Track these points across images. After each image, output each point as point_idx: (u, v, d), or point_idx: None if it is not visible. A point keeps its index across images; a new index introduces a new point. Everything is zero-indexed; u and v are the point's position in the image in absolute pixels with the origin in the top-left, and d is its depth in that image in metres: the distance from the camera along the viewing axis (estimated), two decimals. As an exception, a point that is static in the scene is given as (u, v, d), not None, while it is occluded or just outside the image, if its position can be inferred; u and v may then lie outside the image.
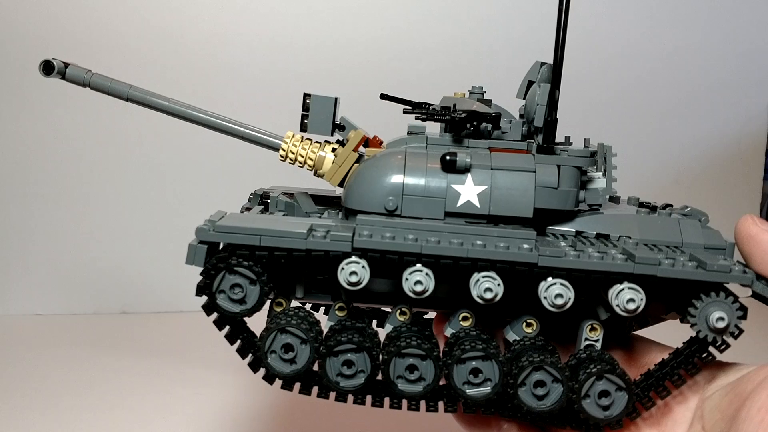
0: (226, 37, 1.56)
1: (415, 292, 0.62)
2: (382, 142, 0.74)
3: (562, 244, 0.66)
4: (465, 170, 0.67)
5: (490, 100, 0.74)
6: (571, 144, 0.75)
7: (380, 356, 0.65)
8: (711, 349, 0.65)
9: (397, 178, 0.67)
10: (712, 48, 1.80)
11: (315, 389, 0.69)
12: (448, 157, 0.66)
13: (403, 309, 0.69)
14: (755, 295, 0.64)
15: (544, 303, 0.63)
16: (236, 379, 1.24)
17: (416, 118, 0.71)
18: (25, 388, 1.20)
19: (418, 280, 0.62)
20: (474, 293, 0.62)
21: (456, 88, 0.77)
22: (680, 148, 1.84)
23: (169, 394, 1.21)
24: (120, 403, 1.17)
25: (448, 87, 0.81)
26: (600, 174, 0.72)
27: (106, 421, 1.11)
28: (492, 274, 0.63)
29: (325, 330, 0.68)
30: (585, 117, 1.58)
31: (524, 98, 0.75)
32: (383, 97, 0.76)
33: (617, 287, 0.63)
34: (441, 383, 0.66)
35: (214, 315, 0.66)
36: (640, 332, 0.76)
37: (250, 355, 0.69)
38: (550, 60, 0.68)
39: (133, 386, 1.23)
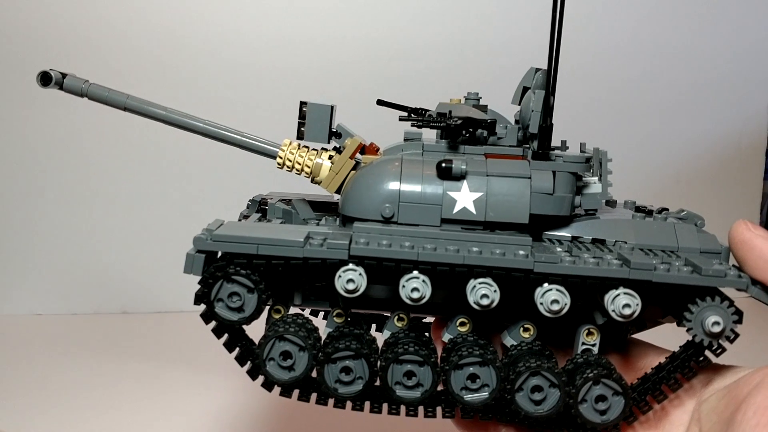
0: (225, 36, 1.56)
1: (412, 299, 0.63)
2: (378, 149, 0.74)
3: (558, 249, 0.66)
4: (461, 177, 0.67)
5: (486, 105, 0.74)
6: (567, 148, 0.75)
7: (378, 362, 0.66)
8: (707, 352, 0.65)
9: (393, 186, 0.67)
10: (712, 48, 1.79)
11: (314, 396, 0.69)
12: (443, 165, 0.67)
13: (400, 315, 0.69)
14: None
15: (541, 309, 0.63)
16: (236, 380, 1.25)
17: (412, 125, 0.71)
18: (25, 388, 1.21)
19: (414, 287, 0.62)
20: (471, 299, 0.63)
21: (453, 88, 0.77)
22: (680, 148, 1.83)
23: (169, 395, 1.21)
24: (120, 404, 1.17)
25: (446, 87, 0.81)
26: (595, 179, 0.72)
27: (106, 421, 1.11)
28: (488, 280, 0.63)
29: (324, 337, 0.68)
30: (583, 117, 1.58)
31: (519, 104, 0.75)
32: (380, 103, 0.76)
33: (613, 292, 0.63)
34: (439, 389, 0.66)
35: (213, 322, 0.67)
36: (637, 336, 0.76)
37: (249, 362, 0.69)
38: (546, 64, 0.68)
39: (133, 386, 1.23)
